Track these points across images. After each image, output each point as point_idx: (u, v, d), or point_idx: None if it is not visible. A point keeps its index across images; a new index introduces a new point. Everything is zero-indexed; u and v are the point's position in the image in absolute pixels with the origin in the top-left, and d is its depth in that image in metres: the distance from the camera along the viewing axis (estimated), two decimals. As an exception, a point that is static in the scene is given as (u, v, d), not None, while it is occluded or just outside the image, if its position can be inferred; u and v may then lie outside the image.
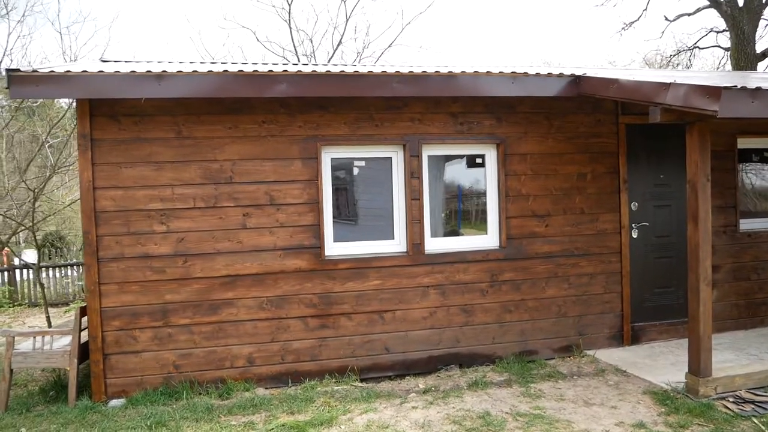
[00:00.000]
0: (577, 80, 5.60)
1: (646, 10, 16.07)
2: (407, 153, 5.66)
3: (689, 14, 16.00)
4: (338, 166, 5.62)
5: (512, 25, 45.42)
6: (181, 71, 4.62)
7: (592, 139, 6.16)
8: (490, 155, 5.96)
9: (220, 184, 5.16)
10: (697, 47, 16.61)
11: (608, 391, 5.02)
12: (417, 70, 5.54)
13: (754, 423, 4.27)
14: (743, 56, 13.76)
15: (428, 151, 5.80)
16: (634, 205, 6.29)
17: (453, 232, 5.97)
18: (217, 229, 5.15)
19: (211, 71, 4.72)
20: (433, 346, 5.73)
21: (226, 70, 4.79)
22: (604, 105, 6.14)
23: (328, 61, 16.40)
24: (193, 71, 4.66)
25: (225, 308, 5.18)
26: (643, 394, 4.90)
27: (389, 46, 20.18)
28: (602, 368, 5.64)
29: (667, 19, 16.27)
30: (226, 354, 5.19)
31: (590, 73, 5.55)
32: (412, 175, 5.67)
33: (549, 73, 5.57)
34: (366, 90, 5.19)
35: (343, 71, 5.11)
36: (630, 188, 6.26)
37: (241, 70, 4.85)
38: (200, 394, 4.98)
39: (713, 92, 3.96)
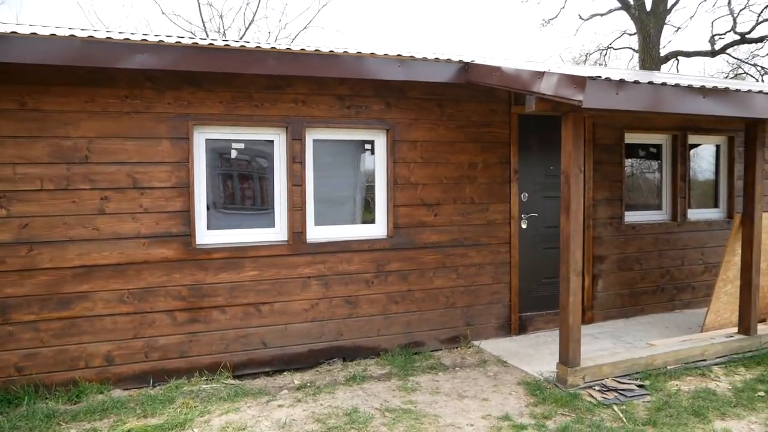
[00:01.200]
0: (465, 67, 5.46)
1: (563, 7, 16.42)
2: (290, 136, 5.35)
3: (602, 14, 16.49)
4: (216, 148, 5.24)
5: (438, 15, 45.68)
6: (16, 32, 4.09)
7: (485, 128, 6.07)
8: (380, 141, 5.76)
9: (73, 164, 4.67)
10: (611, 47, 17.18)
11: (485, 383, 4.97)
12: (297, 48, 5.23)
13: (614, 411, 4.31)
14: (649, 58, 14.31)
15: (313, 135, 5.52)
16: (524, 196, 6.27)
17: (341, 221, 5.72)
18: (70, 214, 4.66)
19: (54, 35, 4.21)
20: (315, 340, 5.50)
21: (73, 35, 4.29)
22: (497, 94, 6.06)
23: (241, 37, 15.71)
24: (32, 33, 4.14)
25: (79, 302, 4.71)
26: (518, 385, 4.88)
27: (305, 27, 19.65)
28: (485, 359, 5.60)
29: (581, 17, 16.71)
30: (80, 353, 4.73)
31: (478, 61, 5.43)
32: (294, 159, 5.37)
33: (437, 58, 5.40)
34: (239, 66, 4.82)
35: (212, 44, 4.72)
36: (521, 179, 6.24)
37: (92, 36, 4.38)
38: (46, 398, 4.51)
39: (579, 82, 3.90)
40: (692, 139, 7.16)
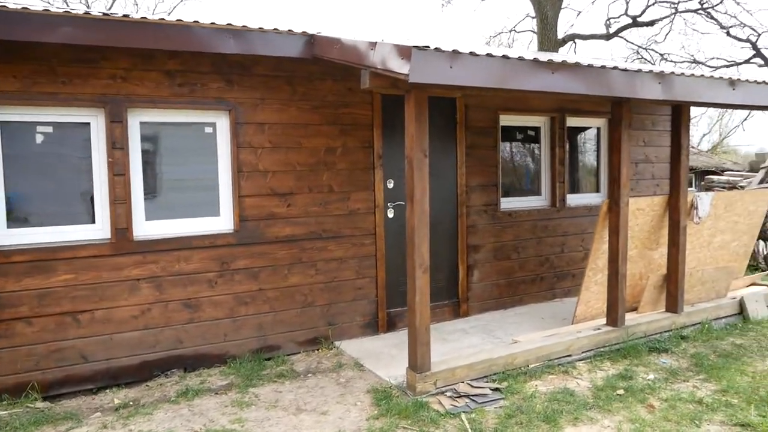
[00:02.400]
0: (311, 40, 4.89)
1: None
2: (108, 118, 4.62)
3: None
4: (14, 132, 4.44)
5: None
6: None
7: (343, 109, 5.53)
8: (221, 124, 5.11)
9: None
10: (515, 30, 17.06)
11: (333, 392, 4.48)
12: (99, 13, 4.47)
13: (461, 421, 3.92)
14: (546, 40, 14.24)
15: (139, 117, 4.80)
16: (390, 183, 5.80)
17: (178, 214, 5.05)
18: None
19: None
20: (148, 350, 4.83)
21: None
22: (357, 72, 5.51)
23: (109, 9, 14.51)
24: None
25: None
26: (366, 393, 4.41)
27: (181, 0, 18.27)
28: (343, 362, 5.11)
29: None
30: None
31: (324, 33, 4.86)
32: (115, 145, 4.65)
33: (276, 29, 4.79)
34: (29, 33, 4.05)
35: (-16, 6, 3.92)
36: (385, 164, 5.75)
37: None
38: None
39: (405, 53, 3.41)
40: (571, 121, 6.91)
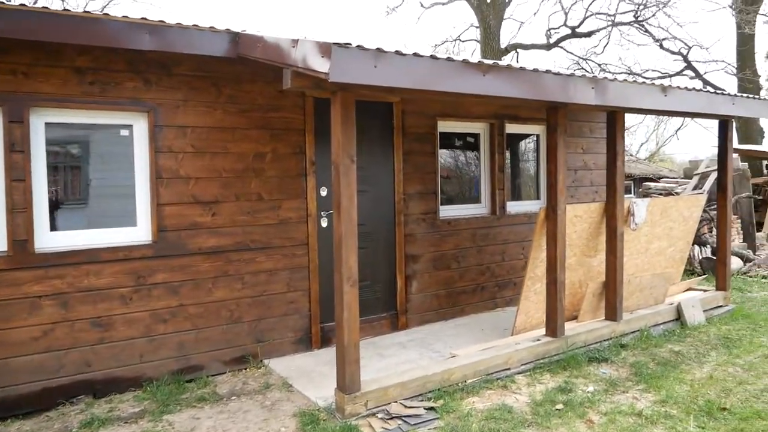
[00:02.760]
0: (236, 38, 4.58)
1: None
2: (6, 117, 4.17)
3: (443, 3, 16.41)
4: None
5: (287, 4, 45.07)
6: None
7: (273, 113, 5.23)
8: (138, 126, 4.72)
9: None
10: (460, 39, 17.16)
11: (256, 416, 4.14)
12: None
13: (392, 447, 3.66)
14: (489, 50, 14.34)
15: (44, 117, 4.37)
16: (323, 191, 5.52)
17: (89, 224, 4.62)
18: None
19: None
20: (52, 375, 4.37)
21: None
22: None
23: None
24: None
25: None
26: (292, 417, 4.09)
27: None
28: (270, 383, 4.77)
29: (422, 5, 16.53)
30: None
31: (249, 31, 4.56)
32: (14, 147, 4.20)
33: (196, 26, 4.46)
34: None
35: None
36: (319, 171, 5.47)
37: None
38: None
39: (326, 50, 3.15)
40: (510, 128, 6.82)
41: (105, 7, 15.06)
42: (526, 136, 7.11)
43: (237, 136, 5.06)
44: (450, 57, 3.59)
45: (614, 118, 5.37)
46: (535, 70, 4.02)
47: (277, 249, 5.28)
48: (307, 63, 3.33)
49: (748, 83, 15.10)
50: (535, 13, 20.19)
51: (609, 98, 4.58)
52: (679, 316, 6.05)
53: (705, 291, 6.69)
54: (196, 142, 4.88)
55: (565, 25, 15.86)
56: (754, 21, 15.71)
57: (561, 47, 16.28)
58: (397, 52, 3.34)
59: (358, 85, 3.39)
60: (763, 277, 8.23)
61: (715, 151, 12.47)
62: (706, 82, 16.87)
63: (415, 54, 3.42)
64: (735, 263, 8.41)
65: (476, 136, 6.68)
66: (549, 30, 15.91)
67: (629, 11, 15.66)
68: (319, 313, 5.51)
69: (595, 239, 5.63)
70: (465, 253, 6.47)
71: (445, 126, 6.35)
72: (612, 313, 5.53)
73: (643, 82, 4.83)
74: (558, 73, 4.26)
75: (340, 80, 3.17)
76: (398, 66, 3.41)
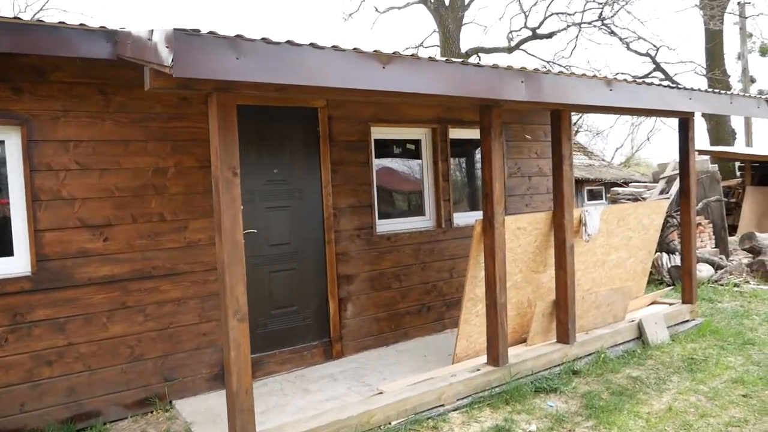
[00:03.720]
0: (115, 37, 3.98)
1: (364, 0, 15.73)
2: None
3: (399, 8, 16.02)
4: None
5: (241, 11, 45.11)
6: None
7: (176, 122, 4.66)
8: (11, 142, 4.13)
9: None
10: (423, 46, 16.72)
11: (139, 477, 3.53)
12: None
13: None
14: (449, 54, 13.94)
15: None
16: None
17: (-47, 256, 4.01)
18: None
19: None
20: None
21: None
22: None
23: None
24: None
25: None
26: (179, 477, 3.49)
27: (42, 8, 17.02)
28: (173, 429, 4.16)
29: (377, 10, 16.11)
30: None
31: (130, 28, 3.98)
32: None
33: (63, 23, 3.87)
34: None
35: None
36: (232, 186, 4.89)
37: None
38: None
39: (169, 39, 2.59)
40: (455, 133, 6.28)
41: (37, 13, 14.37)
42: (473, 141, 6.58)
43: (131, 149, 4.47)
44: (336, 45, 3.03)
45: (558, 117, 4.86)
46: (449, 61, 3.48)
47: (185, 275, 4.69)
48: (159, 57, 2.77)
49: (718, 83, 14.79)
50: (500, 18, 19.86)
51: (544, 93, 4.05)
52: (640, 334, 5.52)
53: (670, 304, 6.17)
54: (81, 158, 4.29)
55: (525, 26, 15.49)
56: (722, 18, 15.44)
57: (523, 50, 15.92)
58: (265, 40, 2.78)
59: (238, 83, 2.84)
60: (735, 285, 7.74)
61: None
62: (675, 84, 16.53)
63: (289, 42, 2.86)
64: (705, 271, 7.92)
65: (417, 142, 6.13)
66: (511, 32, 15.54)
67: (590, 9, 15.34)
68: (238, 345, 4.90)
69: (543, 253, 5.10)
70: (407, 270, 5.90)
71: (380, 132, 5.80)
72: (563, 335, 4.98)
73: (583, 74, 4.30)
74: (478, 65, 3.72)
75: (190, 75, 2.60)
76: (270, 58, 2.85)
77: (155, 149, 4.57)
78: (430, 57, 3.38)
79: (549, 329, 5.11)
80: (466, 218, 6.42)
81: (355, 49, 3.06)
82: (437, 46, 16.16)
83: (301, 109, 5.23)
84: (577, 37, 15.79)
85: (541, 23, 15.40)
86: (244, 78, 2.77)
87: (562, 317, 4.98)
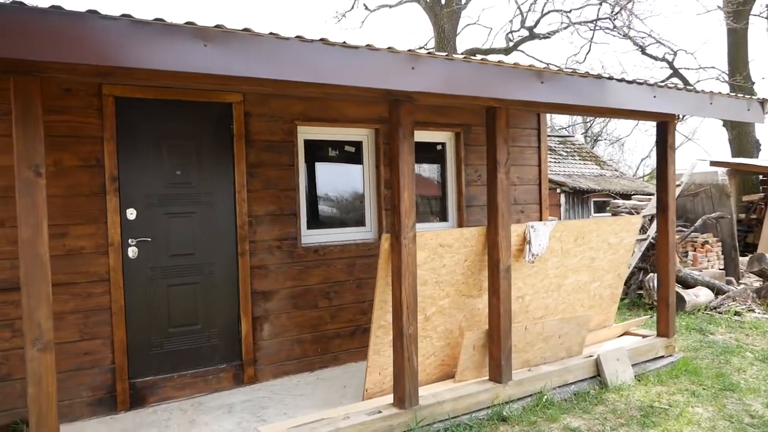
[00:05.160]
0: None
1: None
2: None
3: (391, 6, 15.40)
4: None
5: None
6: None
7: (56, 116, 4.16)
8: None
9: None
10: (425, 48, 16.03)
11: None
12: None
13: None
14: (444, 54, 13.24)
15: None
16: (131, 213, 4.41)
17: None
18: None
19: None
20: None
21: None
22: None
23: None
24: None
25: None
26: None
27: None
28: (21, 465, 3.65)
29: (367, 8, 15.53)
30: None
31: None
32: None
33: None
34: None
35: None
36: (124, 189, 4.38)
37: None
38: None
39: None
40: (403, 134, 5.61)
41: None
42: (429, 144, 5.90)
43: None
44: (160, 18, 2.45)
45: (493, 116, 4.15)
46: (300, 37, 2.82)
47: (63, 287, 4.18)
48: None
49: (740, 90, 13.63)
50: (511, 20, 18.68)
51: (447, 84, 3.37)
52: (599, 372, 4.74)
53: (644, 336, 5.35)
54: (-56, 154, 3.84)
55: (522, 26, 14.56)
56: (747, 20, 14.25)
57: (521, 51, 15.00)
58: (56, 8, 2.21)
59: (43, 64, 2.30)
60: (736, 313, 6.79)
61: (706, 161, 11.03)
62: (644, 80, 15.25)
63: (92, 11, 2.29)
64: (703, 296, 7.00)
65: (358, 144, 5.50)
66: (511, 32, 14.62)
67: (589, 5, 14.37)
68: (127, 365, 4.38)
69: (477, 275, 4.39)
70: (339, 288, 5.27)
71: (311, 132, 5.20)
72: (495, 371, 4.26)
73: (500, 62, 3.58)
74: (372, 48, 3.07)
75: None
76: (52, 29, 2.28)
77: (31, 145, 4.08)
78: (272, 32, 2.74)
79: (483, 364, 4.40)
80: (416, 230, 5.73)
81: (165, 22, 2.47)
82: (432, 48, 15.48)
83: (212, 104, 4.68)
84: (591, 40, 14.82)
85: (537, 22, 14.51)
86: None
87: (495, 351, 4.26)
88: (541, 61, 14.79)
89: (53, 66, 2.73)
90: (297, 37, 2.81)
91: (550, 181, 14.52)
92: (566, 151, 16.81)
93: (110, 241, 4.31)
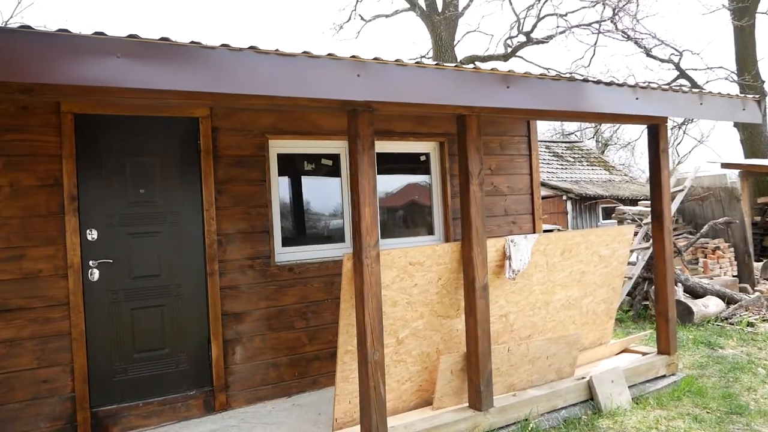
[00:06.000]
0: None
1: (355, 10, 15.04)
2: None
3: (387, 15, 15.23)
4: None
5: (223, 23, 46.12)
6: None
7: (12, 134, 4.02)
8: None
9: None
10: (426, 56, 15.79)
11: None
12: None
13: None
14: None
15: None
16: (91, 233, 4.24)
17: None
18: None
19: None
20: None
21: None
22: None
23: None
24: None
25: None
26: None
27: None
28: (-34, 503, 3.47)
29: (363, 18, 15.38)
30: None
31: None
32: None
33: None
34: None
35: None
36: (84, 209, 4.21)
37: None
38: None
39: None
40: (384, 146, 5.38)
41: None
42: (412, 155, 5.65)
43: (-48, 166, 3.87)
44: (49, 31, 2.26)
45: (463, 124, 3.89)
46: (225, 46, 2.60)
47: (19, 312, 4.02)
48: None
49: (750, 89, 13.10)
50: (511, 26, 18.21)
51: (403, 92, 3.12)
52: (592, 395, 4.41)
53: (644, 354, 5.00)
54: None
55: (520, 32, 14.19)
56: (753, 17, 13.76)
57: (520, 57, 14.59)
58: None
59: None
60: (749, 324, 6.37)
61: (716, 164, 10.57)
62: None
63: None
64: (713, 306, 6.59)
65: (336, 157, 5.27)
66: (510, 38, 14.23)
67: (583, 8, 13.97)
68: (88, 394, 4.19)
69: (453, 294, 4.11)
70: (317, 307, 5.03)
71: (284, 146, 4.99)
72: (475, 398, 3.97)
73: (457, 66, 3.31)
74: (311, 55, 2.84)
75: None
76: None
77: (-17, 166, 3.95)
78: (189, 43, 2.53)
79: (463, 389, 4.11)
80: (396, 245, 5.47)
81: (28, 30, 2.27)
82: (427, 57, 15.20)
83: (177, 119, 4.51)
84: (595, 44, 14.42)
85: (534, 26, 14.12)
86: None
87: (473, 375, 3.97)
88: (541, 67, 14.42)
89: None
90: (223, 45, 2.60)
91: (555, 188, 14.13)
92: (573, 157, 16.37)
93: (70, 263, 4.14)
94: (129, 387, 4.35)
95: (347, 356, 3.82)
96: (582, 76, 3.92)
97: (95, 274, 4.25)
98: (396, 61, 3.08)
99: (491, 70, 3.41)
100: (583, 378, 4.49)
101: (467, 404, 4.07)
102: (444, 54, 12.70)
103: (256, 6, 46.49)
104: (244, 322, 4.74)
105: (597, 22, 13.79)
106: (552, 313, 4.64)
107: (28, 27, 2.28)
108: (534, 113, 3.88)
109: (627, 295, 7.24)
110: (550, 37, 13.84)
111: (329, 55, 2.87)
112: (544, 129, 24.34)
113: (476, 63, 13.67)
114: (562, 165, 15.58)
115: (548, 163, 15.51)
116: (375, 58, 3.01)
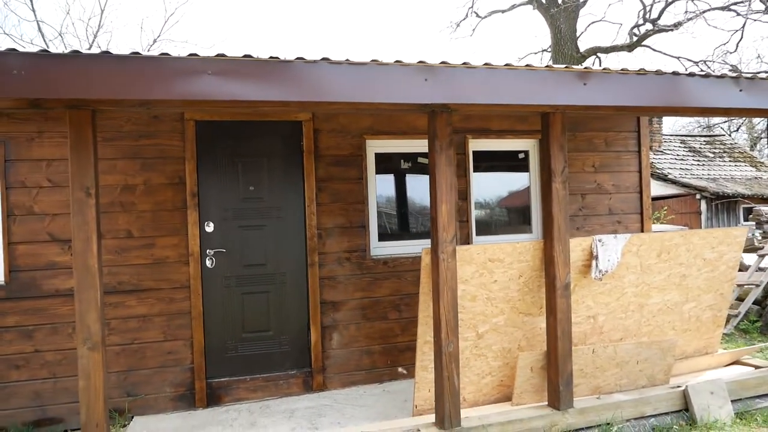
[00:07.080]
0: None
1: (471, 7, 14.80)
2: None
3: (503, 11, 14.72)
4: None
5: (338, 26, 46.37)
6: None
7: (146, 140, 4.70)
8: (-6, 161, 4.51)
9: None
10: (546, 50, 15.18)
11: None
12: None
13: None
14: (561, 56, 12.36)
15: None
16: (208, 226, 4.82)
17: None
18: None
19: None
20: None
21: None
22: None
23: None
24: None
25: None
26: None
27: (154, 41, 19.94)
28: (106, 449, 4.14)
29: (478, 15, 14.96)
30: None
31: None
32: None
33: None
34: None
35: None
36: (203, 204, 4.80)
37: None
38: None
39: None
40: (479, 144, 5.45)
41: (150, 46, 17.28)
42: (511, 153, 5.65)
43: (102, 167, 4.61)
44: (137, 52, 2.70)
45: (547, 122, 3.88)
46: (300, 59, 2.89)
47: (150, 292, 4.69)
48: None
49: None
50: (647, 16, 16.61)
51: (461, 94, 3.22)
52: (687, 406, 4.18)
53: (757, 368, 4.60)
54: (54, 176, 4.52)
55: (646, 20, 12.96)
56: None
57: (647, 46, 13.32)
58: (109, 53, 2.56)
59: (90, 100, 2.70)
60: None
61: None
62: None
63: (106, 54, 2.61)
64: None
65: (431, 155, 5.43)
66: (637, 27, 13.07)
67: None
68: (205, 366, 4.78)
69: (537, 292, 4.12)
70: (410, 300, 5.25)
71: (380, 146, 5.25)
72: (553, 397, 3.95)
73: (528, 65, 3.29)
74: (339, 62, 3.05)
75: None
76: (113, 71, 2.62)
77: (124, 167, 4.65)
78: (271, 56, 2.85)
79: (544, 387, 4.11)
80: (491, 242, 5.51)
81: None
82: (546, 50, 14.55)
83: (283, 123, 4.95)
84: (743, 26, 12.88)
85: (661, 13, 12.87)
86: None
87: (552, 375, 3.95)
88: (671, 56, 13.30)
89: (102, 101, 3.09)
90: (298, 58, 2.91)
91: (687, 185, 12.99)
92: (713, 152, 14.88)
93: (191, 251, 4.75)
94: (239, 363, 4.88)
95: (426, 346, 4.00)
96: (683, 70, 3.73)
97: (211, 262, 4.82)
98: (464, 63, 3.20)
99: (565, 67, 3.39)
100: (678, 387, 4.26)
101: (546, 402, 4.06)
102: (564, 47, 12.27)
103: (375, 7, 47.83)
104: (341, 310, 5.08)
105: (741, 1, 12.42)
106: (647, 317, 4.45)
107: (137, 53, 2.75)
108: (623, 109, 3.76)
109: (755, 303, 6.60)
110: (678, 24, 12.74)
111: (397, 61, 3.07)
112: (684, 122, 22.42)
113: (598, 54, 13.06)
114: (698, 161, 14.31)
115: (682, 159, 14.33)
116: (442, 62, 3.15)
